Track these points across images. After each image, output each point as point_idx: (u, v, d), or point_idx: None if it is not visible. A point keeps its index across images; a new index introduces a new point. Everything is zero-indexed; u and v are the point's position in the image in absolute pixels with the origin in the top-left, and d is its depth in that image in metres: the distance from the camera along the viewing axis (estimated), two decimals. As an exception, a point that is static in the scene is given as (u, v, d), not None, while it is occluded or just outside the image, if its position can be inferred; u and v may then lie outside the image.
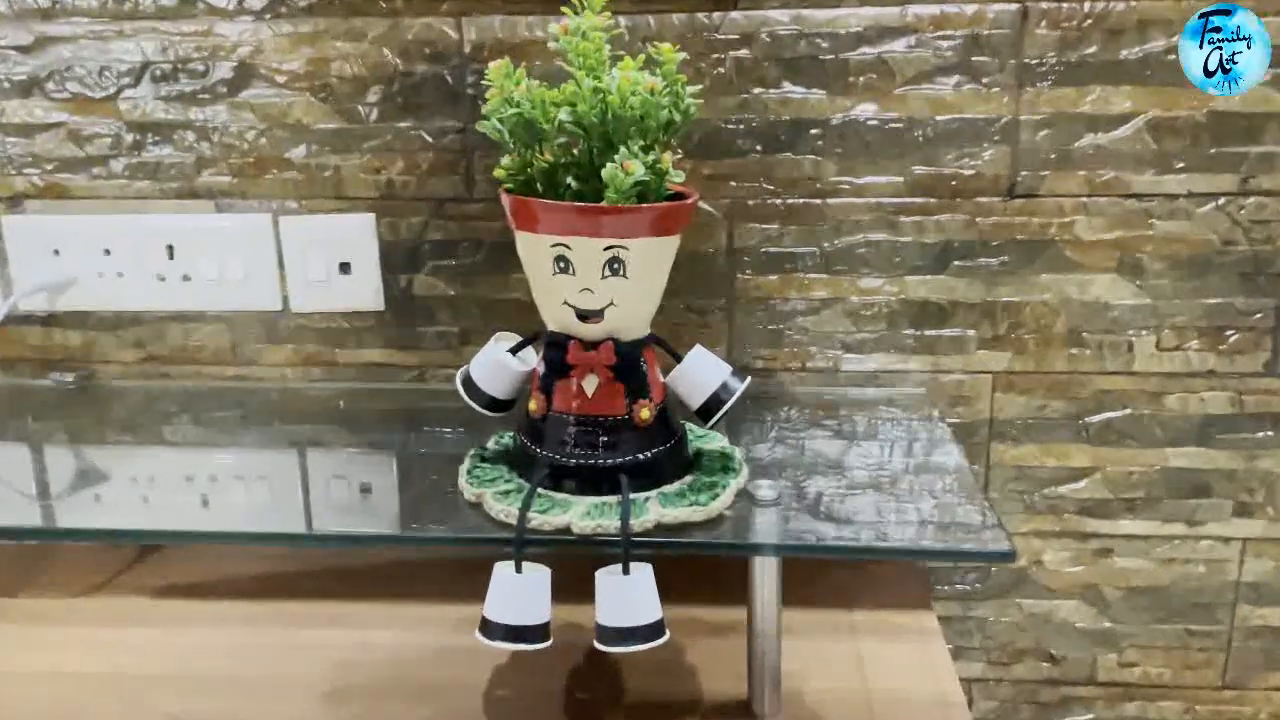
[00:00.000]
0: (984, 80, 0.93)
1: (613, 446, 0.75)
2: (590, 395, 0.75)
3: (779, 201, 0.97)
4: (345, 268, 1.01)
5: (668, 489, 0.77)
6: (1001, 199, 0.95)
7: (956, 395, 1.01)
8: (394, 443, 0.93)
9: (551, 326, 0.77)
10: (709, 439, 0.87)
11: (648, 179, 0.70)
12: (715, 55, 0.93)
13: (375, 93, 0.98)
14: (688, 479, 0.79)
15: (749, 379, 0.79)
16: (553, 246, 0.72)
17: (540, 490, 0.75)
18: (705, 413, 0.79)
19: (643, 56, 0.72)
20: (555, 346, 0.76)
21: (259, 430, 0.95)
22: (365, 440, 0.93)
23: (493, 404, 0.80)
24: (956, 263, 0.97)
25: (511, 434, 0.84)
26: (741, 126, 0.96)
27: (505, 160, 0.75)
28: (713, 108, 0.95)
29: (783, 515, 0.76)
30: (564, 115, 0.72)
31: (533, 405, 0.78)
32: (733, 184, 0.97)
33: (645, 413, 0.76)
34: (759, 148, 0.96)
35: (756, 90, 0.95)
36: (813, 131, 0.95)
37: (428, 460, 0.86)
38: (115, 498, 0.83)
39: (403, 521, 0.81)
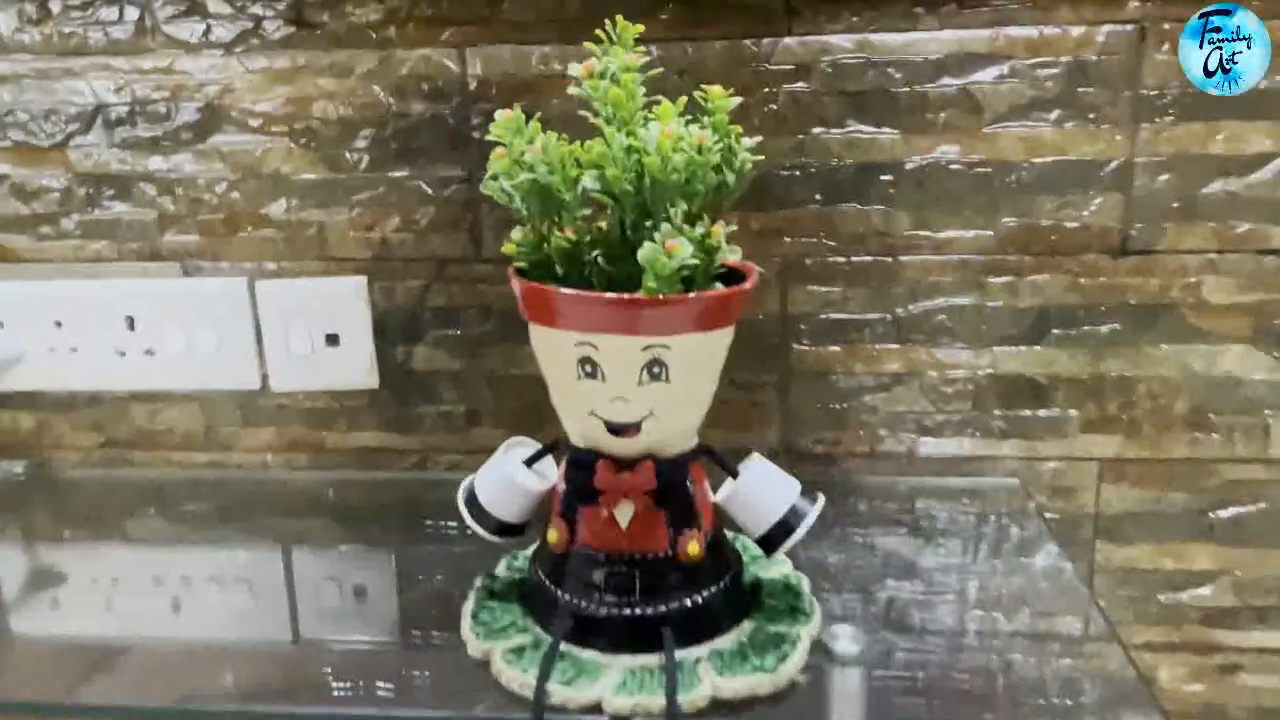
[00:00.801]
0: (1091, 115, 0.80)
1: (653, 591, 0.61)
2: (624, 527, 0.61)
3: (842, 260, 0.85)
4: (333, 339, 0.90)
5: (723, 645, 0.63)
6: (1112, 256, 0.83)
7: (1056, 486, 0.88)
8: (391, 540, 0.83)
9: (575, 439, 0.62)
10: (770, 562, 0.71)
11: (696, 262, 0.55)
12: (766, 89, 0.82)
13: (365, 137, 0.86)
14: (746, 627, 0.64)
15: (822, 499, 0.64)
16: (577, 346, 0.58)
17: (562, 647, 0.61)
18: (768, 543, 0.64)
19: (684, 100, 0.58)
20: (580, 466, 0.61)
21: (237, 525, 0.86)
22: (359, 537, 0.83)
23: (502, 529, 0.66)
24: (1056, 331, 0.85)
25: (529, 557, 0.69)
26: (798, 172, 0.84)
27: (516, 234, 0.60)
28: (763, 150, 0.80)
29: (868, 674, 0.61)
30: (589, 182, 0.57)
31: (553, 536, 0.63)
32: (787, 240, 0.85)
33: (693, 547, 0.62)
34: (819, 197, 0.84)
35: (816, 130, 0.83)
36: (883, 177, 0.83)
37: (431, 561, 0.76)
38: (75, 602, 0.74)
39: (399, 670, 0.66)
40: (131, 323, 0.91)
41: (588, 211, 0.59)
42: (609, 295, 0.56)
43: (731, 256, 0.59)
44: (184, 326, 0.91)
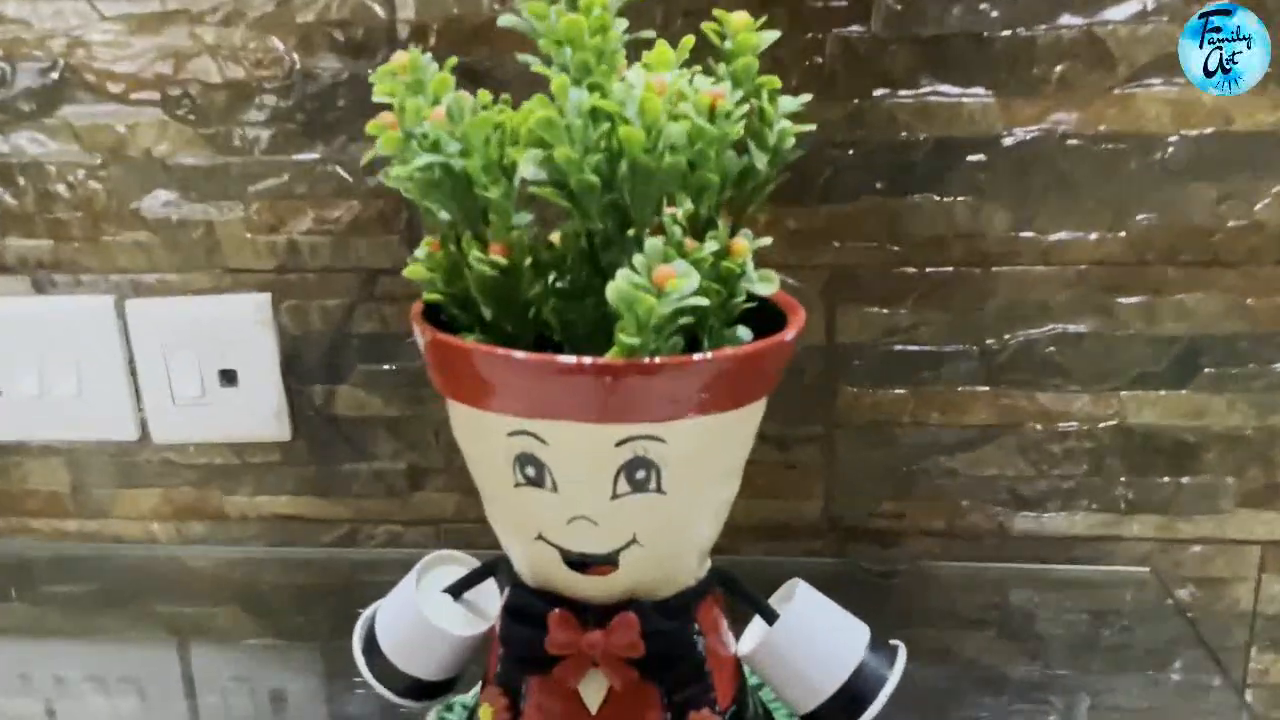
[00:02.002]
0: (1270, 72, 0.60)
1: None
2: (594, 711, 0.41)
3: (912, 271, 0.66)
4: (229, 377, 0.73)
5: None
6: None
7: (1200, 577, 0.71)
8: (316, 633, 0.70)
9: (520, 569, 0.42)
10: None
11: (704, 303, 0.33)
12: (807, 35, 0.64)
13: (262, 106, 0.68)
14: None
15: (903, 653, 0.44)
16: (511, 437, 0.36)
17: None
18: None
19: (688, 41, 0.38)
20: (522, 618, 0.41)
21: (120, 612, 0.74)
22: (275, 629, 0.71)
23: (418, 689, 0.46)
24: (1210, 369, 0.67)
25: (462, 715, 0.49)
26: (851, 151, 0.65)
27: (422, 252, 0.38)
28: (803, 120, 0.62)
29: None
30: (529, 170, 0.35)
31: (485, 717, 0.42)
32: (835, 244, 0.67)
33: None
34: (880, 185, 0.65)
35: (878, 92, 0.64)
36: (971, 158, 0.65)
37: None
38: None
39: None
40: (-30, 358, 0.74)
41: (528, 218, 0.37)
42: (558, 359, 0.34)
43: (764, 288, 0.37)
44: (36, 359, 0.73)
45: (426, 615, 0.44)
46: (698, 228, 0.37)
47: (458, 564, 0.47)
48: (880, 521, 0.70)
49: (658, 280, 0.33)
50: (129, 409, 0.73)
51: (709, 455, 0.37)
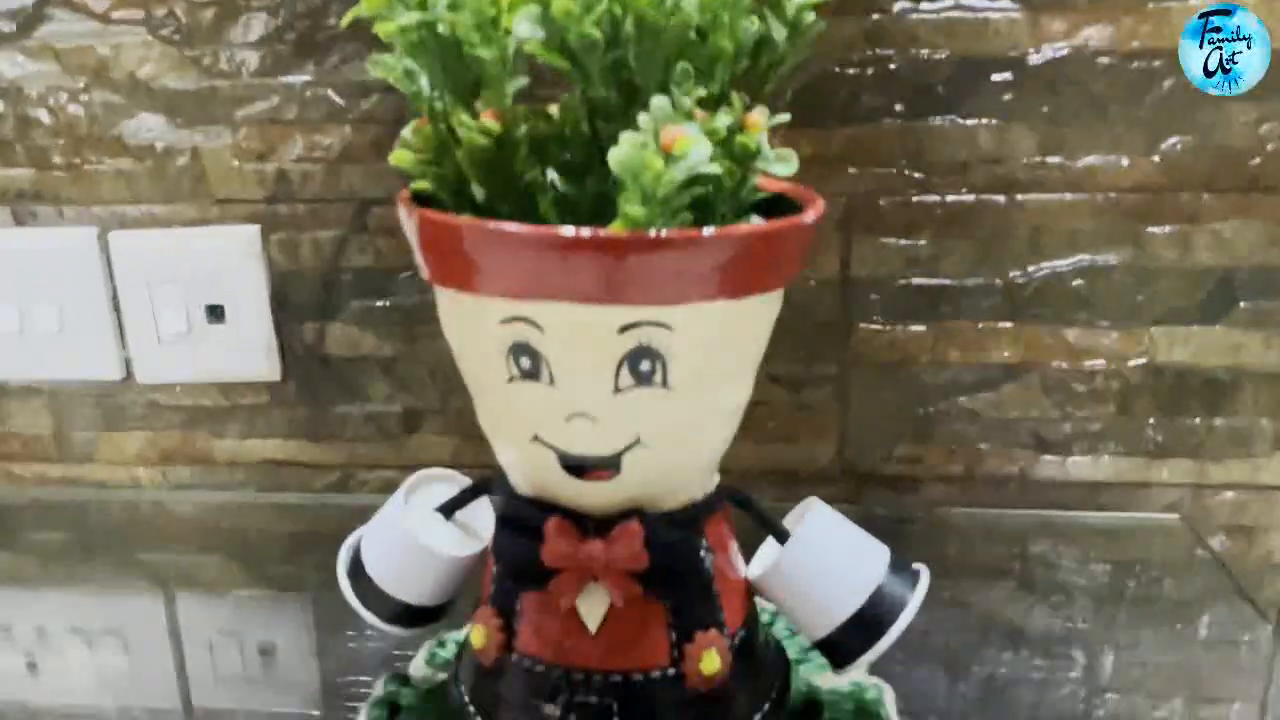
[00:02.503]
0: None
1: None
2: (594, 630, 0.38)
3: (934, 199, 0.62)
4: (216, 313, 0.69)
5: None
6: None
7: (1232, 525, 0.67)
8: (307, 583, 0.67)
9: (515, 477, 0.39)
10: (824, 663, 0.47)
11: (717, 170, 0.30)
12: None
13: (252, 26, 0.64)
14: None
15: (925, 576, 0.40)
16: (504, 324, 0.34)
17: None
18: (837, 651, 0.41)
19: None
20: (517, 528, 0.38)
21: (104, 561, 0.71)
22: (264, 578, 0.68)
23: (407, 615, 0.43)
24: (1246, 304, 0.63)
25: (455, 655, 0.46)
26: (870, 71, 0.61)
27: (409, 130, 0.35)
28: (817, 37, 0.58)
29: None
30: (525, 28, 0.32)
31: (479, 638, 0.40)
32: (851, 170, 0.62)
33: (712, 661, 0.38)
34: (899, 107, 0.61)
35: (898, 6, 0.60)
36: (996, 77, 0.60)
37: (356, 616, 0.56)
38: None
39: None
40: (-54, 289, 0.70)
41: (523, 82, 0.34)
42: (556, 231, 0.31)
43: (781, 168, 0.34)
44: (15, 294, 0.70)
45: (415, 534, 0.41)
46: (711, 99, 0.34)
47: (448, 483, 0.44)
48: (896, 466, 0.66)
49: (665, 143, 0.30)
50: (113, 347, 0.69)
51: (719, 349, 0.34)
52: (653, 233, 0.31)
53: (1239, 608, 0.58)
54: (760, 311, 0.35)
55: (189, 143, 0.65)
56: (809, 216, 0.35)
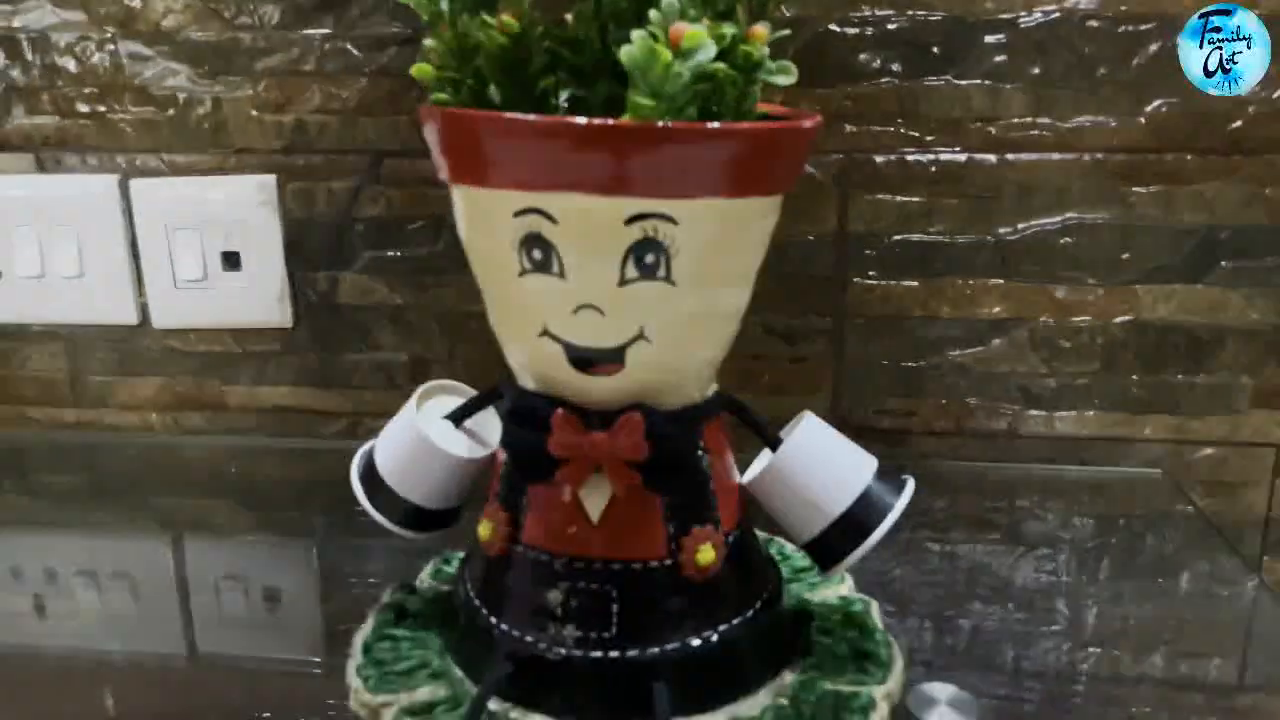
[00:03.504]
0: None
1: (640, 624, 0.40)
2: (596, 520, 0.40)
3: (927, 158, 0.65)
4: (231, 260, 0.71)
5: (749, 710, 0.41)
6: None
7: (1212, 480, 0.68)
8: (313, 528, 0.68)
9: (523, 378, 0.41)
10: (819, 581, 0.49)
11: (718, 71, 0.32)
12: None
13: None
14: (788, 680, 0.43)
15: (910, 483, 0.42)
16: (517, 216, 0.35)
17: (495, 708, 0.40)
18: (825, 551, 0.42)
19: None
20: (525, 421, 0.39)
21: (114, 504, 0.72)
22: (271, 523, 0.69)
23: (417, 517, 0.45)
24: (1228, 263, 0.65)
25: (460, 559, 0.47)
26: (869, 31, 0.63)
27: (430, 41, 0.37)
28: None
29: None
30: None
31: (485, 531, 0.42)
32: (849, 128, 0.64)
33: (706, 554, 0.40)
34: (896, 67, 0.63)
35: None
36: (989, 39, 0.62)
37: (364, 557, 0.61)
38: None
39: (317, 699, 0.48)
40: (-30, 233, 0.72)
41: (541, -9, 0.36)
42: (567, 120, 0.33)
43: (783, 79, 0.36)
44: (37, 238, 0.71)
45: (427, 436, 0.43)
46: (717, 14, 0.36)
47: (456, 394, 0.46)
48: (888, 420, 0.68)
49: (674, 36, 0.32)
50: (129, 292, 0.71)
51: (720, 247, 0.36)
52: (660, 124, 0.33)
53: (1220, 561, 0.59)
54: (760, 215, 0.37)
55: (210, 93, 0.67)
56: (806, 122, 0.37)
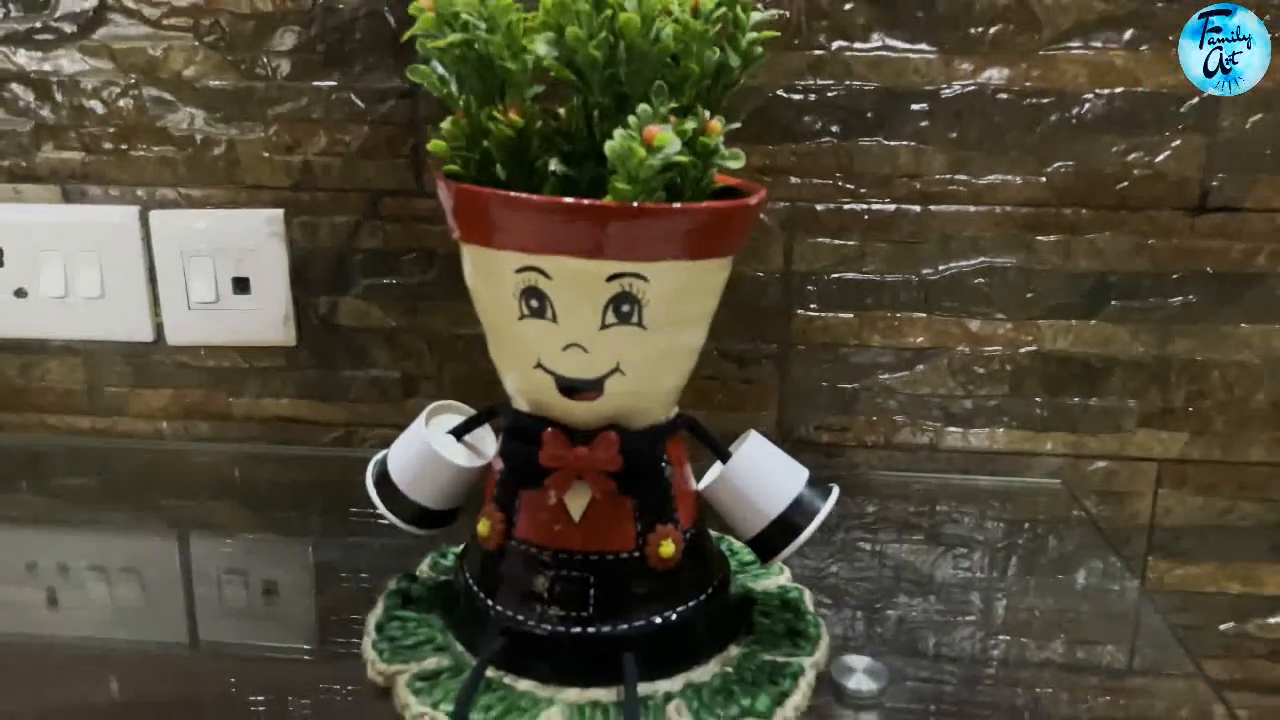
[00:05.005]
0: (1172, 37, 0.66)
1: (613, 604, 0.47)
2: (577, 519, 0.47)
3: (861, 207, 0.72)
4: (241, 285, 0.77)
5: (702, 676, 0.49)
6: (1188, 213, 0.71)
7: (1104, 491, 0.76)
8: (309, 529, 0.72)
9: (518, 401, 0.49)
10: (764, 571, 0.57)
11: (684, 160, 0.40)
12: None
13: (287, 37, 0.72)
14: (733, 654, 0.50)
15: (835, 492, 0.50)
16: (519, 272, 0.43)
17: (491, 674, 0.47)
18: (764, 546, 0.50)
19: None
20: (520, 436, 0.47)
21: (125, 505, 0.75)
22: (270, 524, 0.72)
23: (424, 517, 0.52)
24: (1116, 302, 0.72)
25: (456, 555, 0.55)
26: (811, 97, 0.70)
27: (447, 124, 0.45)
28: (768, 69, 0.67)
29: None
30: (543, 48, 0.42)
31: (483, 527, 0.49)
32: (794, 180, 0.72)
33: (667, 547, 0.48)
34: (835, 129, 0.71)
35: (836, 45, 0.70)
36: (915, 107, 0.70)
37: (356, 556, 0.65)
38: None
39: (311, 685, 0.52)
40: (0, 256, 0.77)
41: (540, 89, 0.44)
42: (563, 200, 0.41)
43: (733, 163, 0.44)
44: (63, 263, 0.77)
45: (434, 447, 0.50)
46: (682, 111, 0.44)
47: (458, 413, 0.53)
48: (826, 434, 0.75)
49: (647, 137, 0.40)
50: (146, 313, 0.77)
51: (683, 297, 0.44)
52: (635, 204, 0.41)
53: (1110, 562, 0.65)
54: (715, 272, 0.46)
55: (225, 135, 0.74)
56: (752, 200, 0.45)
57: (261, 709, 0.49)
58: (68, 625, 0.60)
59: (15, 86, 0.74)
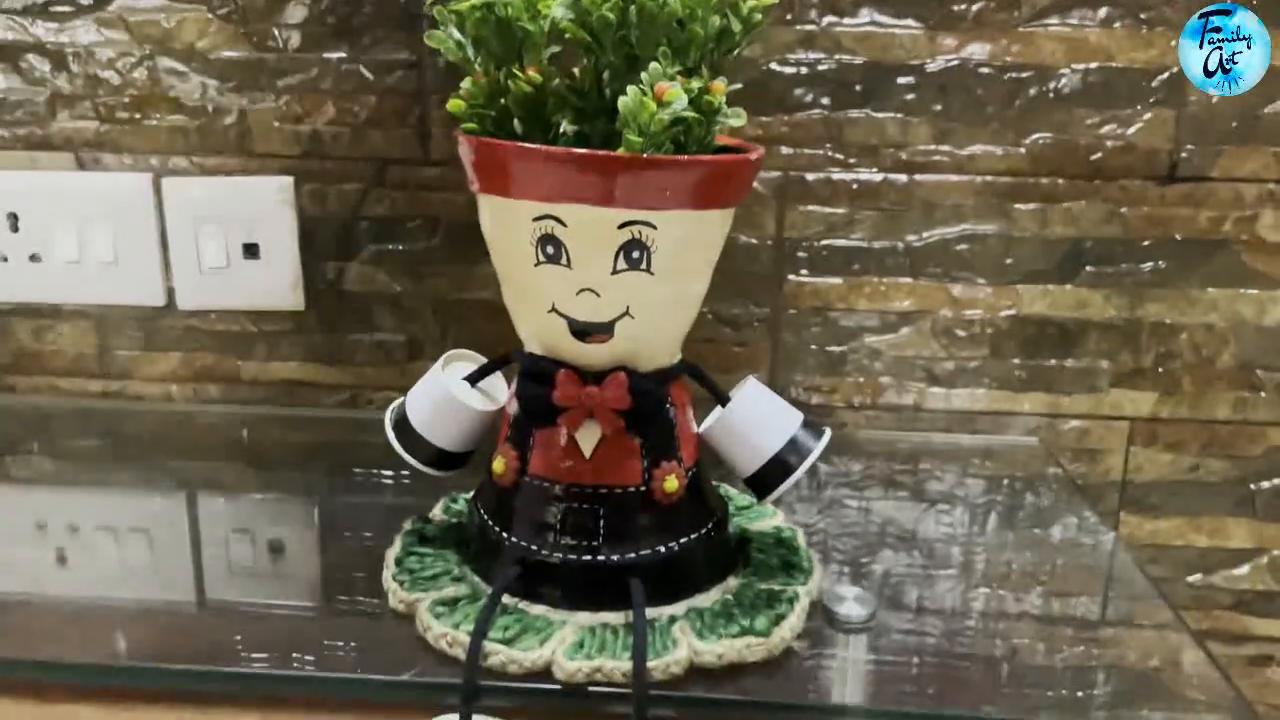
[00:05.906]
0: (1144, 16, 0.70)
1: (620, 534, 0.51)
2: (588, 455, 0.50)
3: (850, 177, 0.75)
4: (251, 250, 0.79)
5: (703, 602, 0.52)
6: (1158, 183, 0.74)
7: (1079, 448, 0.79)
8: (315, 489, 0.73)
9: (531, 346, 0.51)
10: (759, 514, 0.60)
11: (689, 116, 0.43)
12: None
13: (297, 9, 0.74)
14: (732, 583, 0.53)
15: (828, 433, 0.53)
16: (536, 220, 0.46)
17: (506, 601, 0.50)
18: (760, 484, 0.53)
19: None
20: (535, 378, 0.50)
21: (135, 466, 0.76)
22: (277, 484, 0.73)
23: (440, 459, 0.55)
24: (1090, 268, 0.75)
25: (469, 498, 0.57)
26: (803, 70, 0.73)
27: (467, 84, 0.48)
28: (762, 43, 0.69)
29: (875, 646, 0.51)
30: (560, 11, 0.45)
31: (498, 465, 0.52)
32: (786, 151, 0.75)
33: (671, 482, 0.51)
34: (825, 101, 0.74)
35: (826, 20, 0.72)
36: (901, 80, 0.73)
37: (360, 514, 0.66)
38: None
39: (316, 638, 0.53)
40: (15, 222, 0.79)
41: (556, 49, 0.47)
42: (579, 151, 0.44)
43: (735, 121, 0.47)
44: (77, 229, 0.79)
45: (451, 391, 0.53)
46: (687, 72, 0.47)
47: (472, 361, 0.56)
48: (816, 395, 0.78)
49: (658, 92, 0.43)
50: (158, 277, 0.79)
51: (688, 246, 0.48)
52: (645, 156, 0.44)
53: (1085, 516, 0.68)
54: (718, 222, 0.49)
55: (237, 105, 0.76)
56: (753, 155, 0.48)
57: (274, 660, 0.50)
58: (78, 584, 0.61)
59: (32, 57, 0.76)
